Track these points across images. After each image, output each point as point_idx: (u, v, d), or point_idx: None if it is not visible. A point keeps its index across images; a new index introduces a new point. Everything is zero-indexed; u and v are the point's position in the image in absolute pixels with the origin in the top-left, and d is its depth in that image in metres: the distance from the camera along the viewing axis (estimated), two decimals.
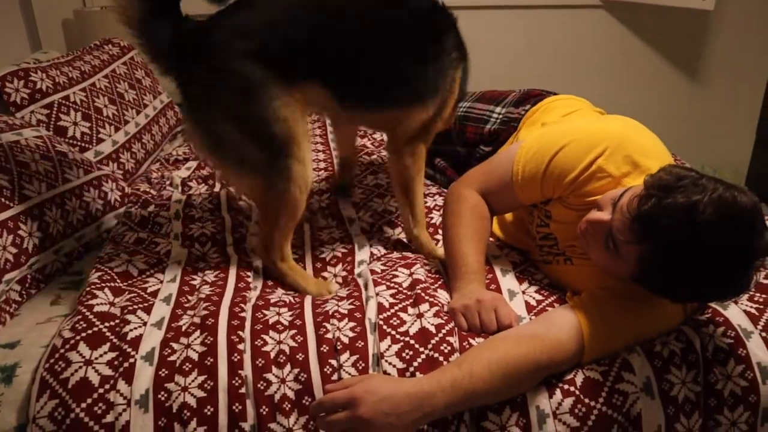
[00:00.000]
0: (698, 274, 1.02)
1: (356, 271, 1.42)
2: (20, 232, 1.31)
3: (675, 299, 1.12)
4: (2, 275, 1.27)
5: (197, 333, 1.15)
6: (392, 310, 1.19)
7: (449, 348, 1.11)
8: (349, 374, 1.08)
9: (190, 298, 1.28)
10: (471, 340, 1.13)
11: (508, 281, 1.31)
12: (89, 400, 1.05)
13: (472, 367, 1.01)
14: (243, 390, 1.07)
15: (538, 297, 1.27)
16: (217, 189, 1.79)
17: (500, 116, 1.74)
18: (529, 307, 1.24)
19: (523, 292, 1.28)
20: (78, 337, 1.13)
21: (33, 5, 2.51)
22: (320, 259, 1.48)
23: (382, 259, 1.44)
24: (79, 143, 1.77)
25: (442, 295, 1.26)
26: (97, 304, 1.22)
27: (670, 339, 1.15)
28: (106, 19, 2.51)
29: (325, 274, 1.44)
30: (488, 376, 1.01)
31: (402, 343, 1.12)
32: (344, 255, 1.48)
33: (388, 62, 1.36)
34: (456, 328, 1.16)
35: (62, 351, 1.10)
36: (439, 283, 1.31)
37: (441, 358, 1.09)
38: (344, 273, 1.43)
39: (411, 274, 1.32)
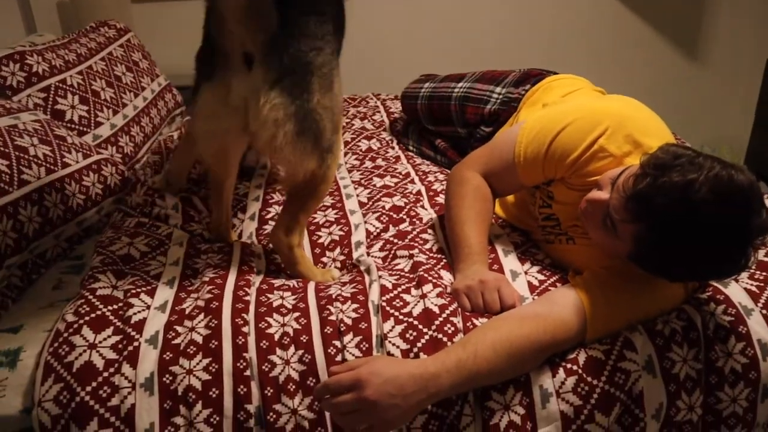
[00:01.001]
0: (693, 253, 1.02)
1: (354, 254, 1.42)
2: (20, 217, 1.31)
3: (671, 278, 1.12)
4: (3, 260, 1.26)
5: (201, 316, 1.15)
6: (395, 292, 1.20)
7: (453, 328, 1.12)
8: (353, 355, 1.09)
9: (193, 281, 1.28)
10: (474, 321, 1.14)
11: (510, 261, 1.31)
12: (94, 384, 1.05)
13: (476, 348, 1.01)
14: (248, 372, 1.07)
15: (541, 277, 1.27)
16: None
17: (500, 96, 1.73)
18: (531, 287, 1.24)
19: (526, 272, 1.28)
20: (81, 321, 1.13)
21: None
22: (318, 244, 1.48)
23: (380, 239, 1.44)
24: (77, 127, 1.76)
25: (446, 276, 1.26)
26: (100, 288, 1.22)
27: (671, 317, 1.16)
28: (101, 1, 2.49)
29: (324, 259, 1.44)
30: (492, 357, 1.01)
31: (405, 324, 1.12)
32: (341, 238, 1.48)
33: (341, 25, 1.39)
34: (459, 309, 1.17)
35: (66, 335, 1.10)
36: (442, 263, 1.31)
37: (445, 339, 1.10)
38: (342, 257, 1.43)
39: (411, 257, 1.33)
